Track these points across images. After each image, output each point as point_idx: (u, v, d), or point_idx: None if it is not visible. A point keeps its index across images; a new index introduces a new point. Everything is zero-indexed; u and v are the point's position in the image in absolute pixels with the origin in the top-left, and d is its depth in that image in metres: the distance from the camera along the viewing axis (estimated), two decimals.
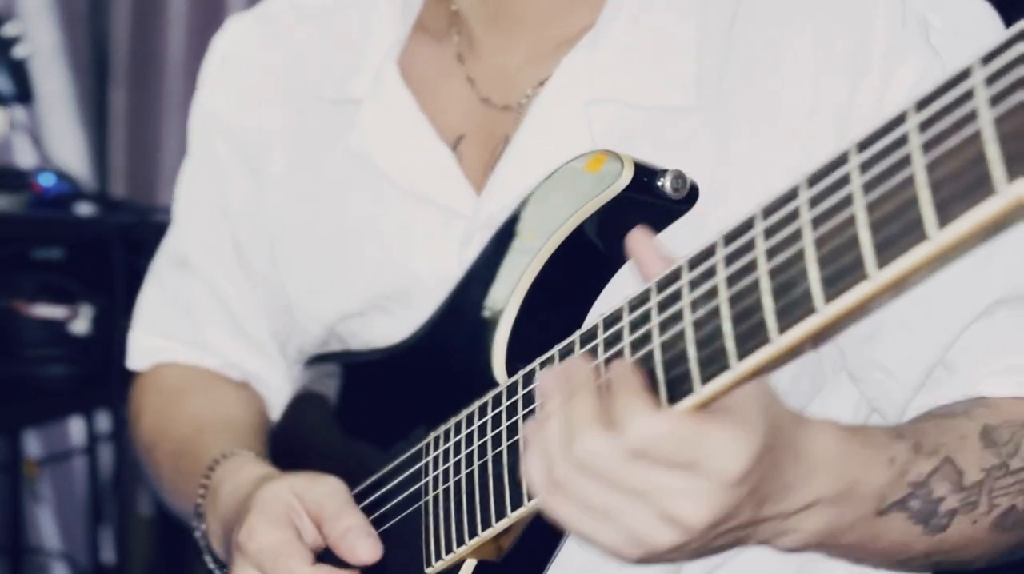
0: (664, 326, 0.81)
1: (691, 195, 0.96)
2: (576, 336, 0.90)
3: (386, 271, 1.14)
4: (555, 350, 0.91)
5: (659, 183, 0.95)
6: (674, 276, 0.81)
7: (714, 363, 0.76)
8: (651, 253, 0.86)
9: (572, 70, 1.08)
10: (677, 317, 0.79)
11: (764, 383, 0.80)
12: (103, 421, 3.03)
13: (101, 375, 2.57)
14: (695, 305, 0.78)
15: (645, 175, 0.95)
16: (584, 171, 0.98)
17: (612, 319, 0.86)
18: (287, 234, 1.24)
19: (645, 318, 0.82)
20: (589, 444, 0.78)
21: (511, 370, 0.98)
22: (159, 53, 3.37)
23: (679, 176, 0.95)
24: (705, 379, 0.77)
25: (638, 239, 0.87)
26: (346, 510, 1.03)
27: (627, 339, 0.84)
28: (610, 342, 0.85)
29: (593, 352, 0.87)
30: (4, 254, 2.56)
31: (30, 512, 3.20)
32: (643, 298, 0.83)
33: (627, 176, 0.95)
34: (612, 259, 0.99)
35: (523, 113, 1.11)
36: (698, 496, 0.77)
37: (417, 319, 1.11)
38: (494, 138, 1.13)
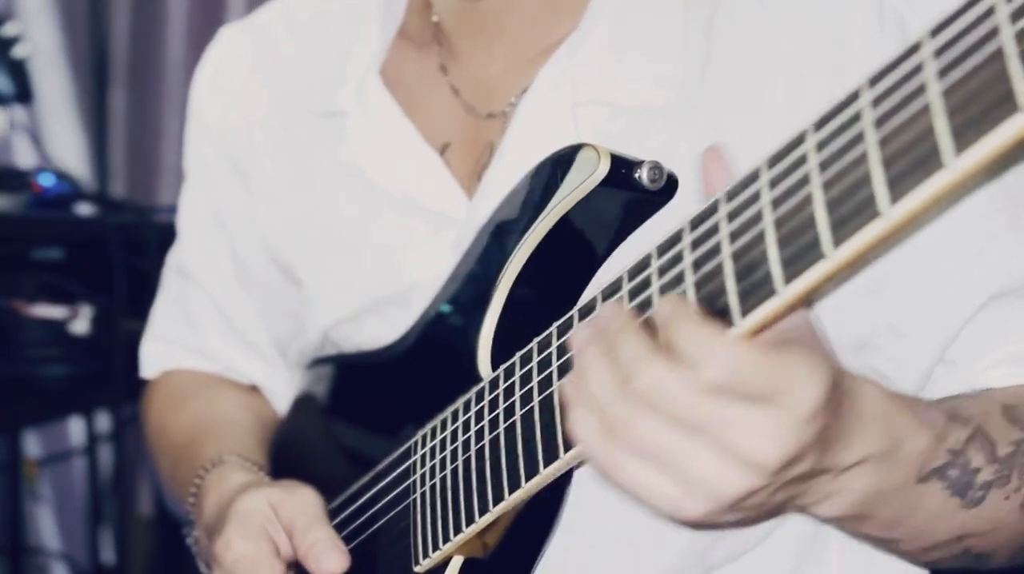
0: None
1: (669, 186, 0.96)
2: (554, 327, 0.90)
3: (381, 278, 1.15)
4: (534, 343, 0.92)
5: (636, 175, 0.95)
6: (644, 265, 0.81)
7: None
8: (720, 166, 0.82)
9: (556, 74, 1.08)
10: (646, 305, 0.79)
11: (818, 326, 0.77)
12: (103, 421, 3.03)
13: (101, 375, 2.58)
14: (662, 292, 0.78)
15: (622, 167, 0.95)
16: (562, 165, 0.98)
17: (586, 310, 0.87)
18: (279, 245, 1.26)
19: None
20: (654, 378, 0.71)
21: (497, 366, 0.97)
22: (159, 53, 3.37)
23: (656, 167, 0.95)
24: None
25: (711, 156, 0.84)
26: (315, 524, 1.05)
27: None
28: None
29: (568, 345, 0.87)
30: (4, 254, 2.56)
31: (30, 512, 3.21)
32: (615, 287, 0.83)
33: (604, 168, 0.95)
34: (595, 252, 0.99)
35: (508, 120, 1.11)
36: (774, 430, 0.70)
37: (411, 321, 1.12)
38: (479, 146, 1.13)
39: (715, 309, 0.73)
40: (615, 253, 0.99)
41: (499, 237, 1.03)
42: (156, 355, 1.45)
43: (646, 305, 0.80)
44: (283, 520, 1.06)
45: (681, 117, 1.02)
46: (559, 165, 0.98)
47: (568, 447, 0.85)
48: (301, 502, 1.07)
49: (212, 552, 1.08)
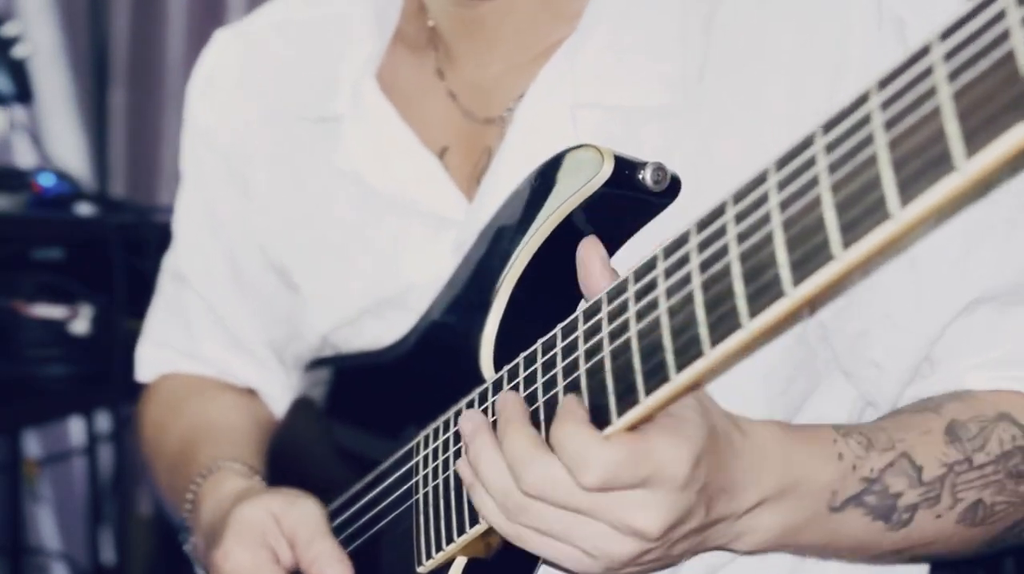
0: (641, 315, 0.80)
1: (672, 187, 0.96)
2: (558, 329, 0.90)
3: (380, 281, 1.15)
4: (538, 344, 0.91)
5: (640, 176, 0.95)
6: (650, 265, 0.81)
7: (689, 350, 0.76)
8: (598, 265, 0.90)
9: (555, 77, 1.08)
10: (653, 305, 0.79)
11: (699, 391, 0.84)
12: (103, 421, 3.03)
13: (101, 375, 2.58)
14: (670, 293, 0.78)
15: (626, 168, 0.95)
16: (565, 167, 0.98)
17: (591, 311, 0.86)
18: (275, 250, 1.26)
19: (623, 308, 0.83)
20: (538, 477, 0.81)
21: (500, 367, 0.97)
22: (159, 53, 3.37)
23: (659, 168, 0.95)
24: (648, 390, 0.79)
25: (588, 249, 0.91)
26: (318, 536, 1.06)
27: (605, 330, 0.84)
28: (589, 334, 0.85)
29: (573, 346, 0.87)
30: (4, 254, 2.55)
31: (30, 512, 3.20)
32: (620, 288, 0.84)
33: (607, 170, 0.94)
34: None
35: (506, 125, 1.11)
36: (651, 505, 0.80)
37: (410, 323, 1.12)
38: (476, 150, 1.13)
39: (722, 312, 0.73)
40: (618, 254, 0.99)
41: (501, 238, 1.02)
42: (152, 359, 1.44)
43: (652, 307, 0.79)
44: (285, 530, 1.06)
45: (681, 116, 1.02)
46: (562, 167, 0.98)
47: None
48: (303, 513, 1.07)
49: (211, 561, 1.08)
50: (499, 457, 0.85)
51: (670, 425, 0.80)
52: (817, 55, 0.99)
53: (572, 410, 0.82)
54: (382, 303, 1.15)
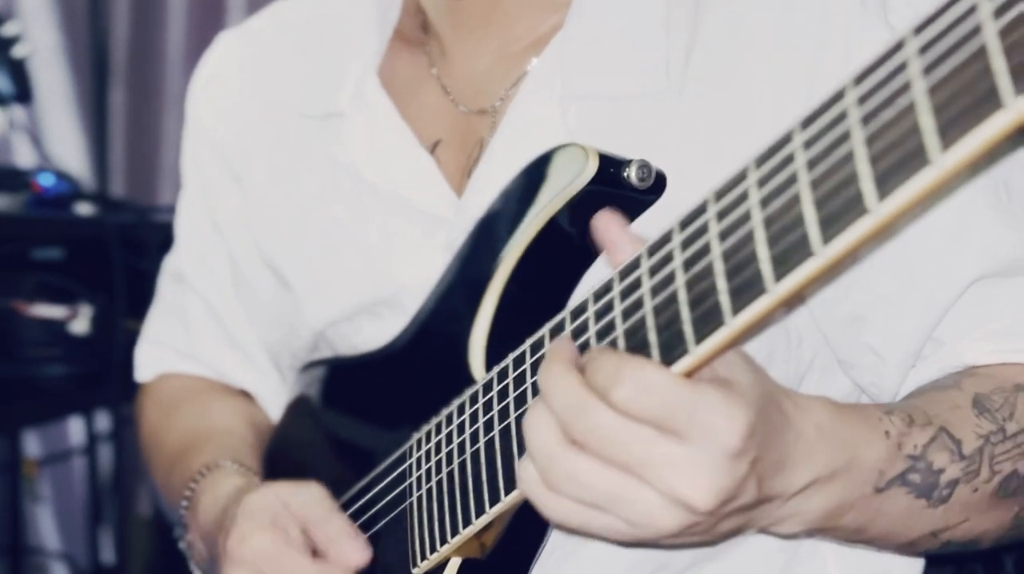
0: (627, 314, 0.80)
1: (657, 184, 0.96)
2: (546, 329, 0.90)
3: (372, 279, 1.15)
4: (526, 345, 0.92)
5: (624, 173, 0.95)
6: (635, 264, 0.81)
7: (674, 348, 0.76)
8: (621, 237, 0.85)
9: (545, 70, 1.08)
10: (638, 304, 0.79)
11: (750, 357, 0.79)
12: (103, 421, 3.03)
13: (101, 375, 2.58)
14: (654, 291, 0.78)
15: (611, 166, 0.95)
16: (551, 166, 0.98)
17: (578, 311, 0.87)
18: (271, 248, 1.26)
19: (608, 307, 0.83)
20: (586, 416, 0.75)
21: (490, 367, 0.98)
22: (159, 53, 3.37)
23: (644, 166, 0.95)
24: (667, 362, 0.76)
25: (606, 223, 0.87)
26: (332, 515, 1.05)
27: (592, 329, 0.84)
28: (577, 333, 0.85)
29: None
30: (4, 254, 2.56)
31: (30, 512, 3.21)
32: (607, 287, 0.84)
33: (592, 168, 0.95)
34: (585, 252, 0.99)
35: (498, 116, 1.12)
36: (702, 472, 0.74)
37: (404, 323, 1.12)
38: (469, 142, 1.14)
39: (705, 309, 0.73)
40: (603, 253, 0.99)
41: (489, 239, 1.03)
42: (150, 359, 1.45)
43: (637, 306, 0.79)
44: (295, 513, 1.05)
45: (668, 103, 1.03)
46: (547, 165, 0.98)
47: None
48: (311, 495, 1.07)
49: (223, 549, 1.07)
50: (546, 414, 0.78)
51: (721, 384, 0.75)
52: (799, 39, 0.99)
53: (606, 350, 0.78)
54: (376, 303, 1.15)
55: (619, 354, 0.75)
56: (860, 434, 0.85)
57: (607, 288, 0.83)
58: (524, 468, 0.80)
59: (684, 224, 0.77)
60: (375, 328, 1.15)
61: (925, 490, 0.88)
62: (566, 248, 0.99)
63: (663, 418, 0.73)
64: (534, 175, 0.99)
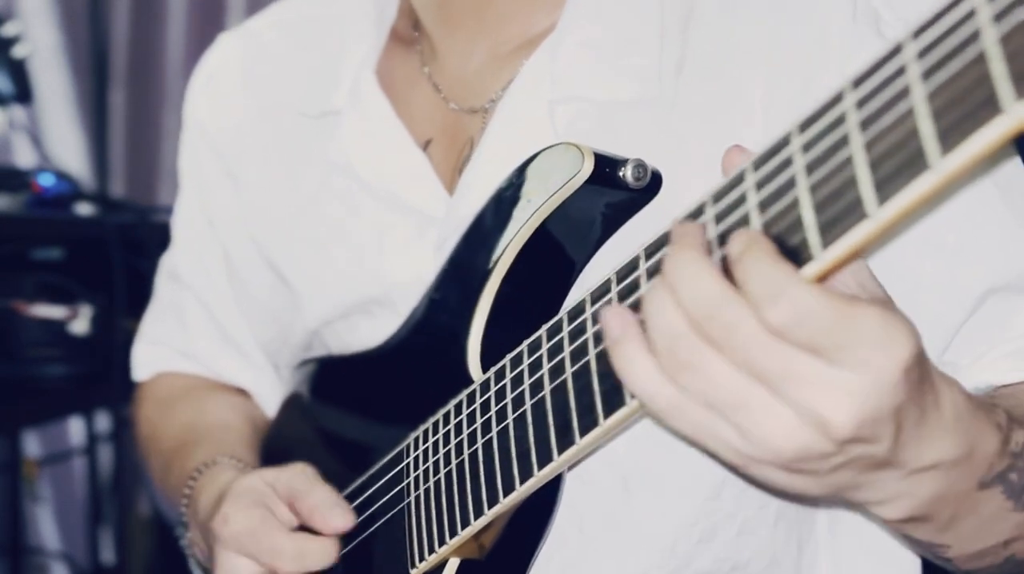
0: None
1: (653, 184, 0.96)
2: (543, 330, 0.90)
3: (364, 278, 1.15)
4: (524, 345, 0.91)
5: (620, 173, 0.95)
6: (633, 266, 0.80)
7: None
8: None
9: (536, 71, 1.08)
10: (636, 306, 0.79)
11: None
12: (103, 421, 3.04)
13: (101, 375, 2.58)
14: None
15: (606, 166, 0.95)
16: (545, 165, 0.98)
17: (576, 312, 0.86)
18: (267, 246, 1.27)
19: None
20: (727, 317, 0.66)
21: (487, 367, 0.97)
22: (159, 53, 3.37)
23: (640, 165, 0.95)
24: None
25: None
26: (315, 485, 1.06)
27: (591, 331, 0.83)
28: (574, 335, 0.85)
29: (559, 347, 0.86)
30: (4, 254, 2.56)
31: (30, 512, 3.21)
32: (605, 287, 0.83)
33: (588, 168, 0.94)
34: (580, 252, 0.99)
35: (488, 115, 1.12)
36: (850, 393, 0.65)
37: (398, 322, 1.12)
38: (460, 141, 1.14)
39: None
40: (600, 251, 0.99)
41: (484, 239, 1.02)
42: (147, 357, 1.46)
43: (635, 308, 0.79)
44: (281, 491, 1.07)
45: (658, 110, 1.02)
46: (542, 165, 0.98)
47: (561, 450, 0.85)
48: (296, 471, 1.08)
49: (211, 531, 1.08)
50: (673, 300, 0.69)
51: (887, 308, 0.66)
52: (791, 50, 0.98)
53: (758, 246, 0.66)
54: (369, 301, 1.15)
55: (776, 261, 0.65)
56: (982, 425, 0.78)
57: (604, 290, 0.83)
58: (633, 359, 0.71)
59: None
60: (369, 327, 1.15)
61: (1017, 491, 0.83)
62: (561, 247, 0.99)
63: (819, 345, 0.65)
64: (529, 174, 0.99)
